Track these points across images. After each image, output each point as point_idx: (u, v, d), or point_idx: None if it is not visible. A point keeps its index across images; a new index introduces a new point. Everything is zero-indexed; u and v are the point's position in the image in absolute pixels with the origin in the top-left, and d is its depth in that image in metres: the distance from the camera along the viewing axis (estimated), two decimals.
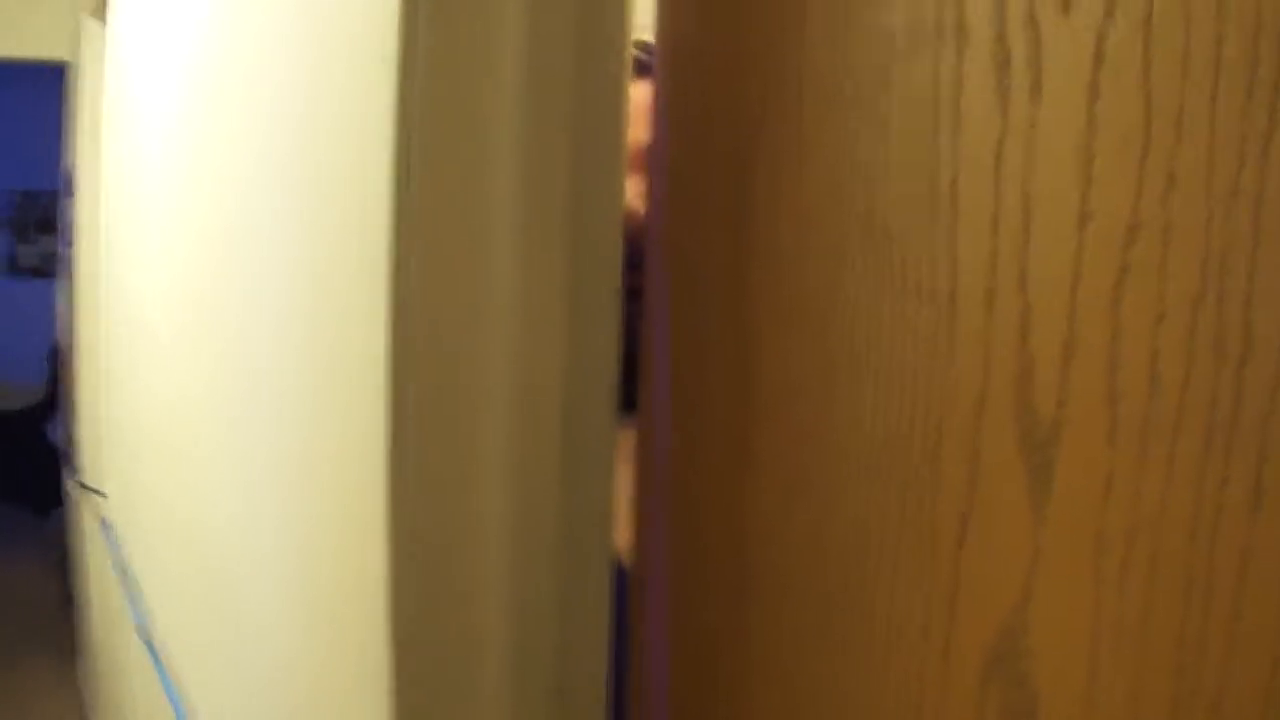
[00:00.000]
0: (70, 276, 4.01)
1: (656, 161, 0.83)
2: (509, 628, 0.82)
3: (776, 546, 0.70)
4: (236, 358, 1.25)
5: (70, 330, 4.06)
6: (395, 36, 0.75)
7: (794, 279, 0.68)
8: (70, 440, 4.10)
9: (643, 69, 0.90)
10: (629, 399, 0.86)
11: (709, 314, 0.76)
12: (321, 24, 0.94)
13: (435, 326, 0.77)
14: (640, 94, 0.90)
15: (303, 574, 1.04)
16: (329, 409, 0.92)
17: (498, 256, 0.77)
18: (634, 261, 0.85)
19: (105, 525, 2.75)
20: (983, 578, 0.56)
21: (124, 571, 2.34)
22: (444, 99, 0.75)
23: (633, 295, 0.85)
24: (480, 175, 0.76)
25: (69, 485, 4.23)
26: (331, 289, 0.91)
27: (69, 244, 4.04)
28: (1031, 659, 0.54)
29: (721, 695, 0.77)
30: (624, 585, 0.88)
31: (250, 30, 1.18)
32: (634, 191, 0.86)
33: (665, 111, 0.82)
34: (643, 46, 0.91)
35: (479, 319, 0.78)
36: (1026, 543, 0.54)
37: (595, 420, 0.83)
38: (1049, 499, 0.52)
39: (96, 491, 3.05)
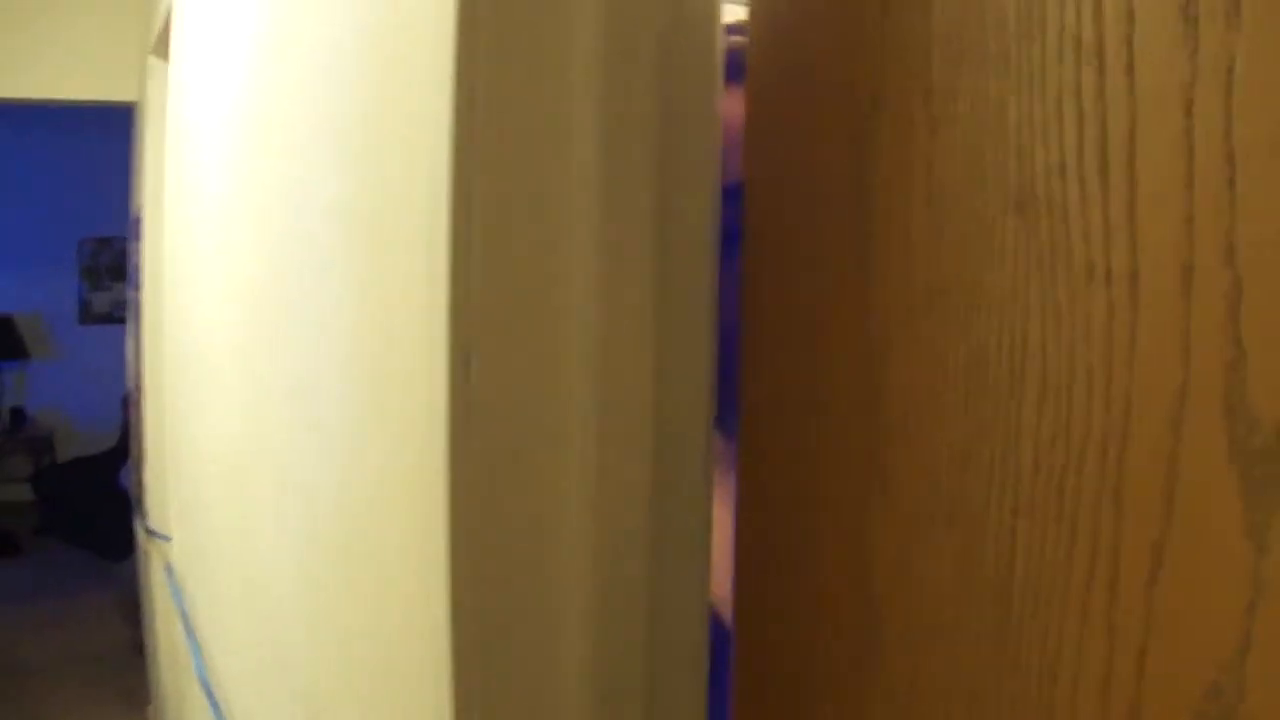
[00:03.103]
0: (137, 321, 3.98)
1: (756, 146, 0.74)
2: (590, 699, 0.72)
3: (912, 590, 0.60)
4: (292, 401, 1.18)
5: (137, 375, 4.02)
6: (451, 65, 0.66)
7: (930, 267, 0.58)
8: (139, 485, 4.06)
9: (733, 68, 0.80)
10: (724, 416, 0.77)
11: (827, 314, 0.66)
12: (376, 54, 0.85)
13: (501, 367, 0.68)
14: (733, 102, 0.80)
15: (358, 636, 0.95)
16: (390, 457, 0.83)
17: (575, 280, 0.68)
18: (731, 251, 0.75)
19: (169, 571, 2.69)
20: (1183, 623, 0.45)
21: (186, 619, 2.28)
22: (504, 133, 0.67)
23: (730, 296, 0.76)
24: (552, 197, 0.68)
25: (138, 530, 4.19)
26: (392, 332, 0.82)
27: (136, 288, 4.02)
28: None
29: None
30: (723, 641, 0.78)
31: (304, 62, 1.10)
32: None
33: (765, 91, 0.73)
34: (735, 29, 0.81)
35: (554, 352, 0.69)
36: (1243, 578, 0.43)
37: (689, 447, 0.73)
38: (1273, 522, 0.42)
39: (162, 537, 3.00)
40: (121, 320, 5.60)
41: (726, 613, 0.80)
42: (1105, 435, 0.48)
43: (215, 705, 1.79)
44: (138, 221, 3.92)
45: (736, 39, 0.79)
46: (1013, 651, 0.53)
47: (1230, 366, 0.43)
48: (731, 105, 0.76)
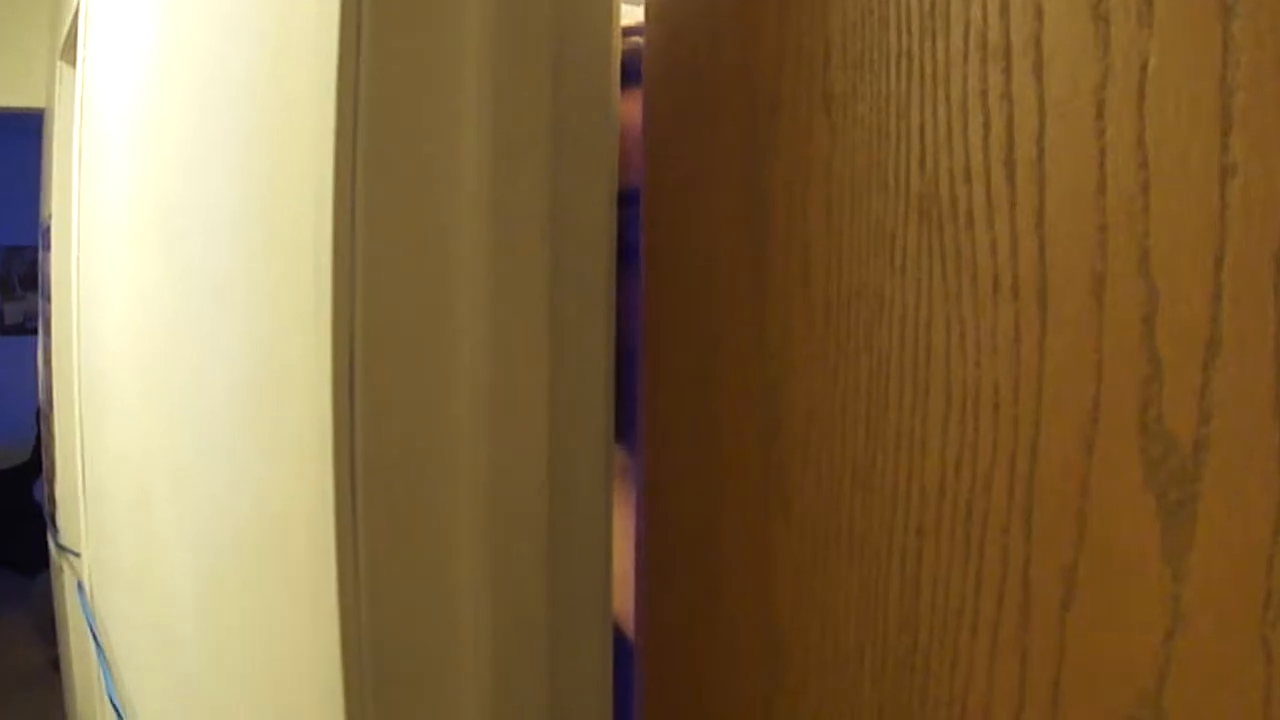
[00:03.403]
0: (47, 333, 3.89)
1: (654, 152, 0.71)
2: (493, 714, 0.69)
3: (815, 617, 0.57)
4: (190, 418, 1.13)
5: (49, 388, 3.93)
6: (334, 72, 0.63)
7: (830, 278, 0.55)
8: (52, 500, 3.97)
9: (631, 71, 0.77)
10: (628, 430, 0.74)
11: (725, 326, 0.64)
12: (264, 56, 0.82)
13: (389, 380, 0.65)
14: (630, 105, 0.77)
15: (255, 658, 0.91)
16: (282, 475, 0.80)
17: (465, 288, 0.65)
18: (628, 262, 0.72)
19: (80, 588, 2.63)
20: (1099, 653, 0.43)
21: (97, 637, 2.22)
22: (390, 137, 0.64)
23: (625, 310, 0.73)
24: (441, 202, 0.65)
25: (51, 547, 4.09)
26: (284, 345, 0.78)
27: (47, 299, 3.92)
28: None
29: None
30: (626, 659, 0.75)
31: (196, 69, 1.06)
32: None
33: (662, 95, 0.70)
34: (633, 31, 0.78)
35: (444, 365, 0.66)
36: (1161, 605, 0.40)
37: (587, 462, 0.70)
38: (1190, 546, 0.39)
39: (73, 553, 2.93)
40: (34, 331, 5.49)
41: (629, 627, 0.77)
42: (1014, 455, 0.45)
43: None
44: (47, 230, 3.83)
45: (635, 40, 0.76)
46: (920, 682, 0.50)
47: (1145, 382, 0.41)
48: (630, 108, 0.73)
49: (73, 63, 3.02)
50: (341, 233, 0.63)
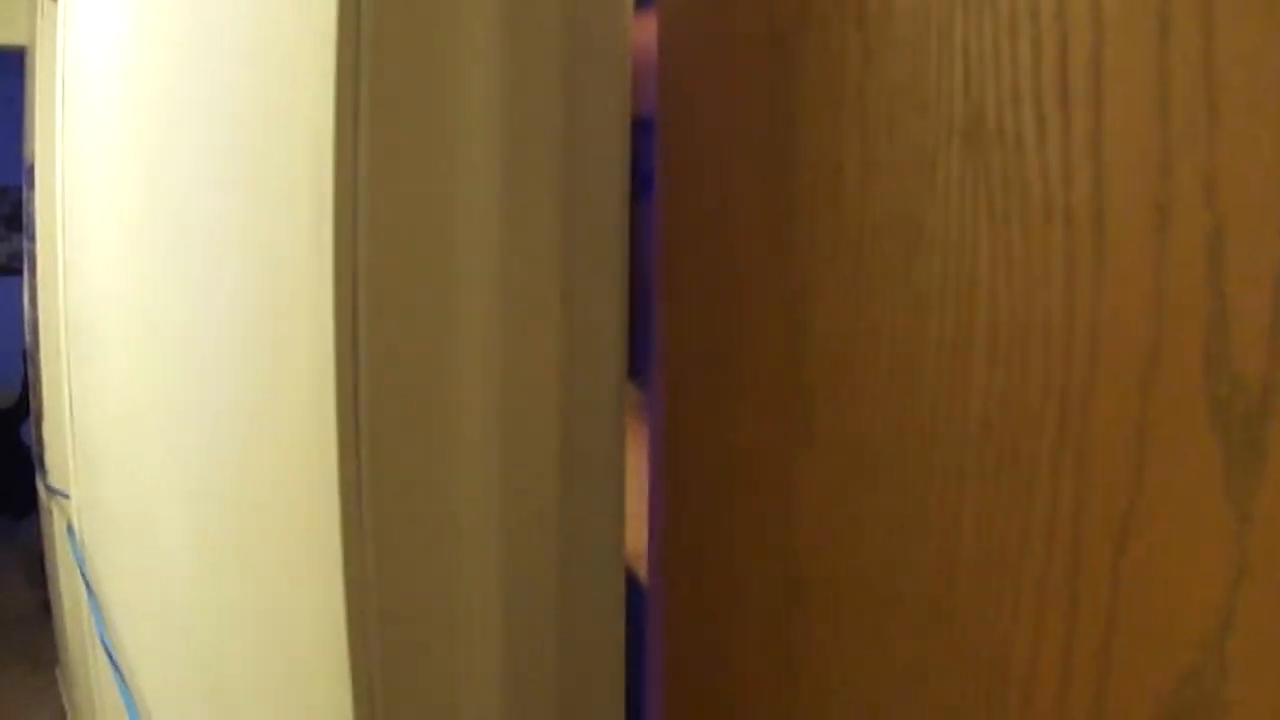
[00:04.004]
0: (33, 273, 3.84)
1: (669, 77, 0.68)
2: (502, 657, 0.67)
3: (841, 554, 0.55)
4: (183, 358, 1.11)
5: (35, 329, 3.89)
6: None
7: (864, 205, 0.52)
8: (40, 442, 3.94)
9: None
10: (638, 365, 0.72)
11: (748, 256, 0.61)
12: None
13: (396, 322, 0.62)
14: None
15: (253, 602, 0.89)
16: (277, 412, 0.77)
17: (476, 218, 0.63)
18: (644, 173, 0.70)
19: (70, 530, 2.61)
20: (1156, 601, 0.40)
21: (87, 579, 2.20)
22: (396, 61, 0.61)
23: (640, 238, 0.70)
24: (450, 127, 0.62)
25: (40, 488, 4.07)
26: (282, 285, 0.75)
27: (32, 239, 3.87)
28: (1231, 709, 0.38)
29: None
30: (639, 601, 0.73)
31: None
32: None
33: (678, 16, 0.67)
34: None
35: (452, 302, 0.63)
36: (1225, 550, 0.38)
37: (599, 396, 0.68)
38: (1258, 490, 0.37)
39: (62, 494, 2.91)
40: (19, 271, 5.44)
41: (641, 570, 0.76)
42: (1064, 393, 0.43)
43: (117, 668, 1.73)
44: (31, 169, 3.78)
45: None
46: (959, 629, 0.48)
47: (1211, 319, 0.38)
48: (642, 31, 0.70)
49: None
50: (343, 165, 0.60)
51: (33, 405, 4.41)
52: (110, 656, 1.80)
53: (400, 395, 0.63)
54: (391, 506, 0.64)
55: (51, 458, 3.42)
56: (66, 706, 3.87)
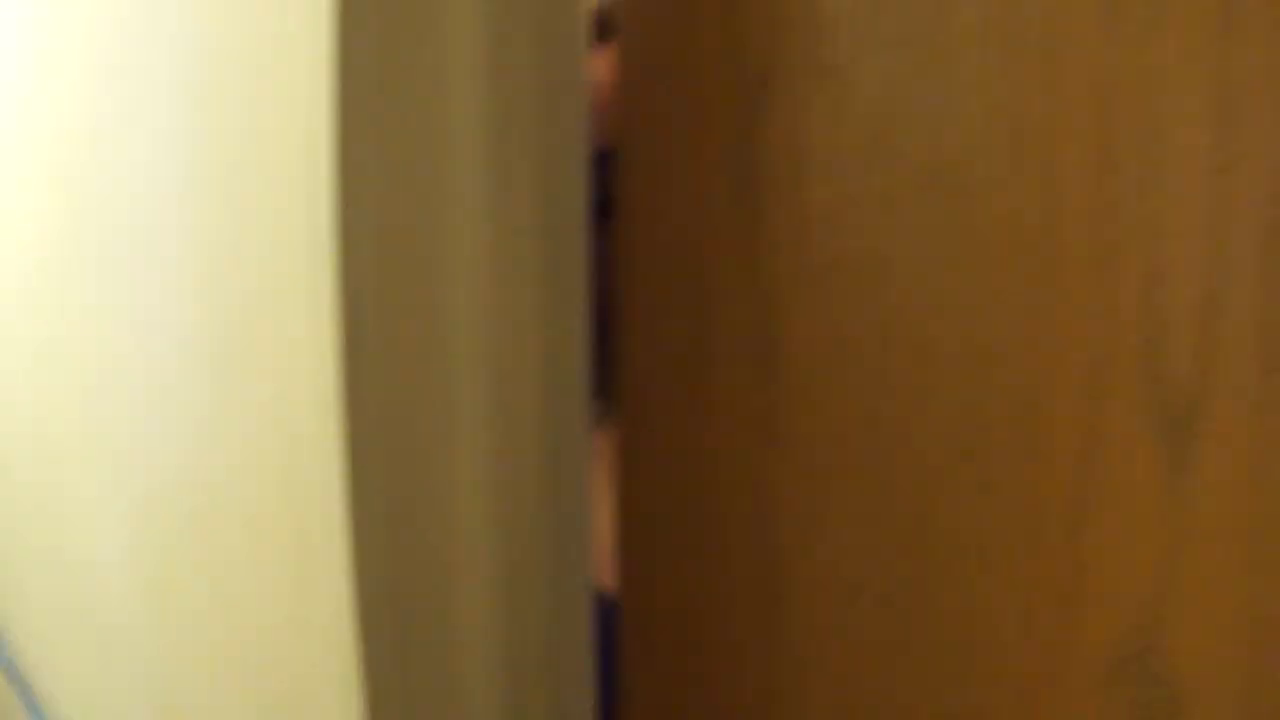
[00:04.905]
0: None
1: (631, 113, 0.73)
2: (490, 676, 0.72)
3: (816, 545, 0.62)
4: (122, 360, 1.10)
5: None
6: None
7: (827, 239, 0.60)
8: None
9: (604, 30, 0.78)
10: (602, 386, 0.76)
11: (715, 280, 0.67)
12: None
13: (392, 315, 0.66)
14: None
15: (219, 609, 0.90)
16: (260, 419, 0.80)
17: (460, 263, 0.67)
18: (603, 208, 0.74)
19: None
20: (1107, 570, 0.49)
21: None
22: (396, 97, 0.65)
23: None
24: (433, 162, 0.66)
25: None
26: (261, 285, 0.77)
27: None
28: (1170, 656, 0.48)
29: None
30: (609, 619, 0.78)
31: None
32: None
33: (638, 57, 0.72)
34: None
35: (441, 335, 0.67)
36: (1161, 529, 0.47)
37: (568, 416, 0.72)
38: (1189, 478, 0.46)
39: None
40: None
41: (606, 581, 0.79)
42: (1023, 401, 0.51)
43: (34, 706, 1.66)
44: None
45: None
46: (933, 604, 0.57)
47: (1148, 337, 0.47)
48: (597, 67, 0.75)
49: None
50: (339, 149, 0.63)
51: None
52: (14, 675, 1.72)
53: (399, 395, 0.67)
54: (391, 506, 0.68)
55: None
56: None
